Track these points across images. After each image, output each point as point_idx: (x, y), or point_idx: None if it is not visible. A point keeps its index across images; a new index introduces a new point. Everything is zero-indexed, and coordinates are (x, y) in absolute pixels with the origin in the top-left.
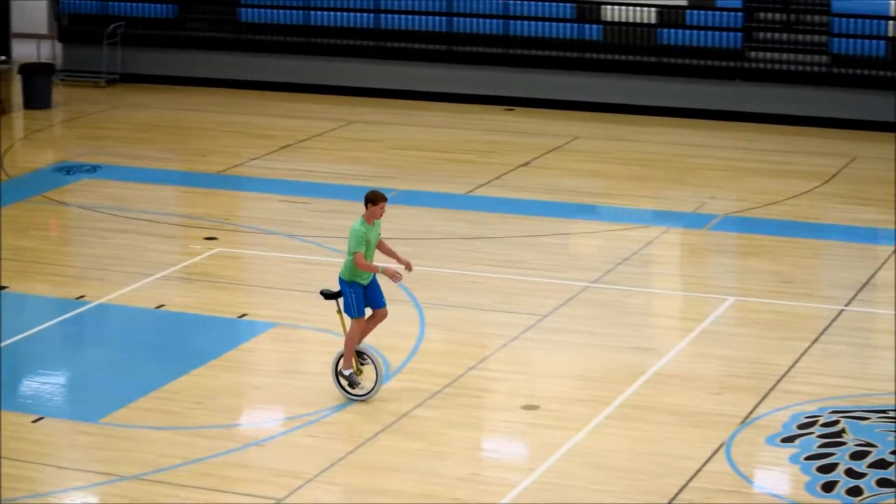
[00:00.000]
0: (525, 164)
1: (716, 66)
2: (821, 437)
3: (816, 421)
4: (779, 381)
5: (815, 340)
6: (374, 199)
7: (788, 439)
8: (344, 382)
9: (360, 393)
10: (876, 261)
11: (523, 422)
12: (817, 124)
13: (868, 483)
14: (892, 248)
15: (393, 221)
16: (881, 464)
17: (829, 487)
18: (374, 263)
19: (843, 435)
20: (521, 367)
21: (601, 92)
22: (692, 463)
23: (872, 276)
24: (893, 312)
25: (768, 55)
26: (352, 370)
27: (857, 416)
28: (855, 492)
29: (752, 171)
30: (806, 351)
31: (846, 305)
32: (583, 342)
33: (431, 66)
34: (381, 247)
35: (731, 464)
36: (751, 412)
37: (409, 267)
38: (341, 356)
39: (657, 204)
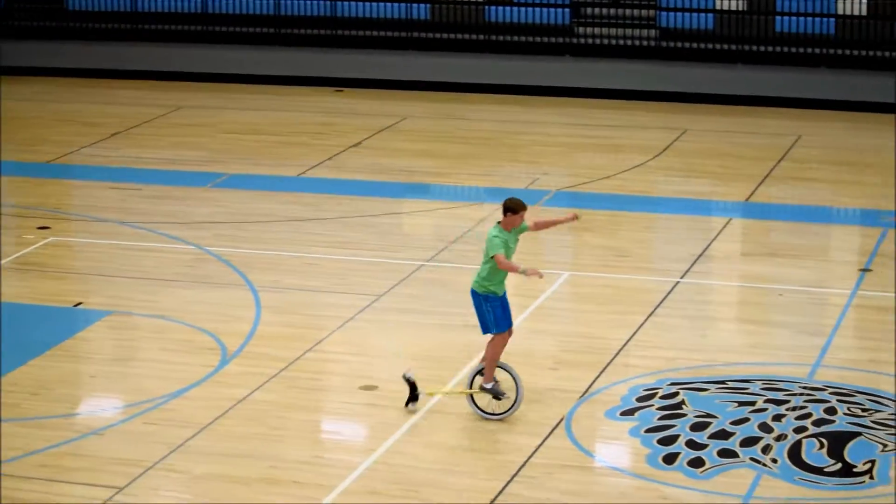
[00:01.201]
0: (356, 145)
1: (545, 42)
2: (660, 409)
3: (655, 393)
4: (616, 354)
5: (651, 313)
6: (515, 208)
7: (628, 412)
8: (483, 402)
9: (502, 409)
10: (709, 232)
11: (362, 403)
12: (647, 98)
13: (709, 454)
14: (726, 220)
15: (225, 206)
16: (722, 434)
17: (670, 459)
18: (514, 264)
19: (683, 406)
20: (357, 348)
21: (430, 71)
22: (532, 439)
23: (706, 247)
24: (728, 283)
25: (597, 30)
26: (493, 382)
27: (695, 388)
28: (696, 463)
29: (584, 147)
30: (642, 324)
31: (681, 278)
32: (418, 321)
33: (260, 50)
34: (538, 226)
35: (572, 438)
36: (589, 387)
37: (576, 217)
38: (476, 374)
39: (489, 181)
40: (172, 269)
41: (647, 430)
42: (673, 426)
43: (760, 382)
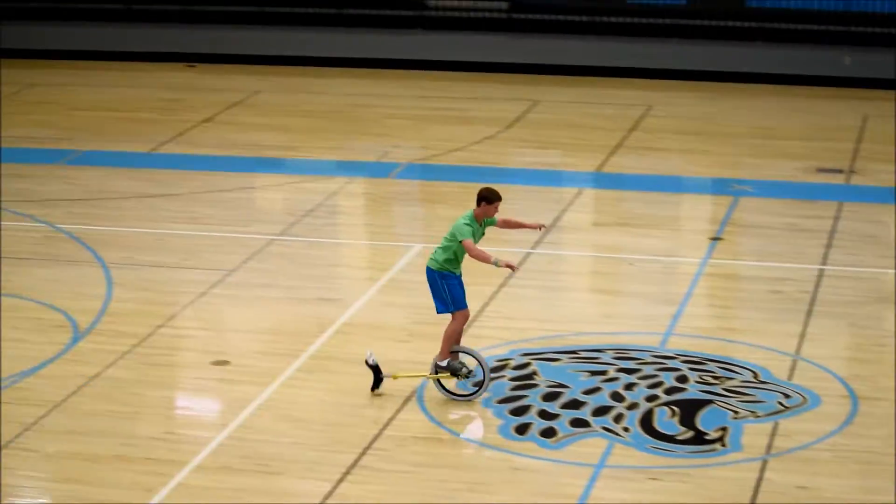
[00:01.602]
0: (207, 121)
1: (395, 15)
2: (512, 379)
3: (507, 364)
4: (469, 326)
5: (503, 284)
6: (491, 198)
7: (479, 383)
8: (451, 384)
9: (468, 389)
10: (561, 203)
11: (214, 378)
12: (498, 70)
13: (561, 424)
14: (577, 191)
15: (76, 183)
16: (574, 404)
17: (522, 430)
18: (486, 253)
19: (535, 377)
20: (209, 323)
21: (282, 45)
22: (384, 412)
23: (558, 218)
24: (579, 253)
25: (447, 3)
26: (448, 358)
27: (547, 358)
28: (548, 433)
29: (435, 119)
30: (494, 295)
31: (532, 248)
32: (270, 296)
33: (109, 26)
34: (506, 224)
35: (424, 410)
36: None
37: (542, 227)
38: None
39: (340, 154)
40: (24, 247)
41: (499, 401)
42: (525, 396)
43: (612, 352)
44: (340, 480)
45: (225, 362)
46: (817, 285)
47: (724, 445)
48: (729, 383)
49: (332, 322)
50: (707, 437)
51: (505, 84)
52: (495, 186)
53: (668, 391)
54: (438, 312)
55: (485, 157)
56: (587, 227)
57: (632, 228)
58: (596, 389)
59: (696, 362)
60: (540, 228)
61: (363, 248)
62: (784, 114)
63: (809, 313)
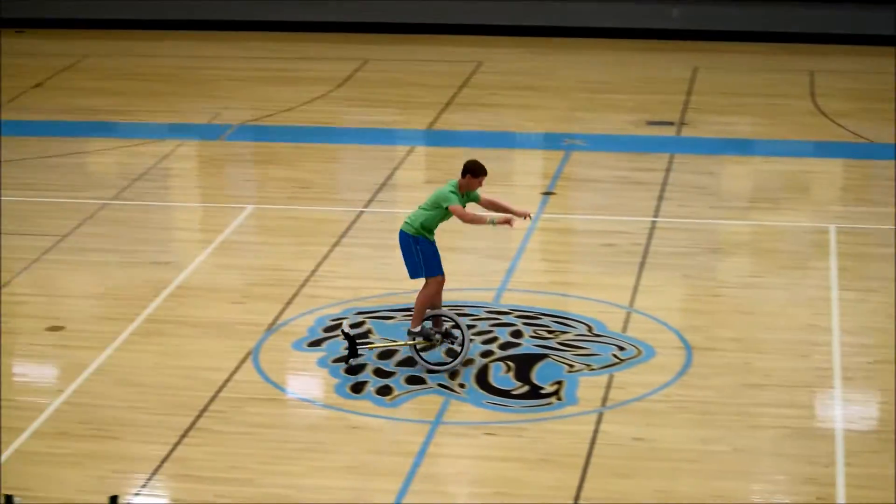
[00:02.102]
0: (38, 86)
1: None
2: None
3: (342, 323)
4: (302, 286)
5: (336, 244)
6: (476, 171)
7: (315, 343)
8: (419, 347)
9: (448, 360)
10: (393, 161)
11: (49, 344)
12: (326, 30)
13: (397, 381)
14: (409, 149)
15: None
16: (409, 361)
17: (358, 388)
18: (480, 215)
19: (370, 335)
20: (43, 289)
21: (112, 9)
22: (220, 374)
23: (389, 176)
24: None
25: None
26: (421, 325)
27: (382, 316)
28: (384, 391)
29: (265, 80)
30: (327, 255)
31: (365, 207)
32: (104, 260)
33: None
34: (490, 203)
35: (260, 371)
36: (276, 319)
37: (528, 216)
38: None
39: (171, 117)
40: None
41: (335, 361)
42: (360, 355)
43: (447, 308)
44: (178, 443)
45: (60, 328)
46: (650, 237)
47: (559, 399)
48: (563, 337)
49: (167, 285)
50: (542, 392)
51: (334, 43)
52: (328, 146)
53: (503, 346)
54: (411, 278)
55: (316, 116)
56: (420, 185)
57: None
58: (430, 346)
59: (530, 317)
60: (526, 217)
61: (196, 211)
62: (614, 68)
63: (642, 265)
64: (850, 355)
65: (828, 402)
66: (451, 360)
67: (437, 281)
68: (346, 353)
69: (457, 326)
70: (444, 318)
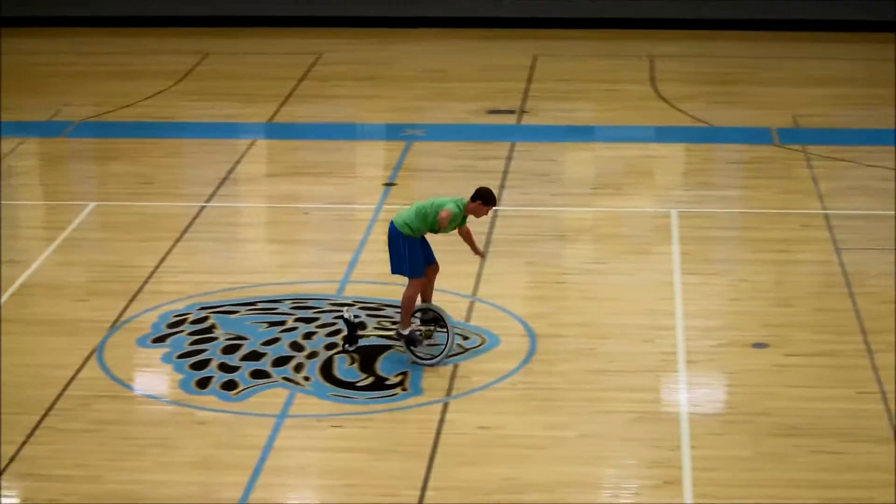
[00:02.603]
0: None
1: None
2: (191, 334)
3: (186, 319)
4: (145, 282)
5: (179, 239)
6: (488, 200)
7: (159, 339)
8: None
9: (432, 352)
10: (234, 155)
11: None
12: (167, 24)
13: (242, 376)
14: (250, 142)
15: None
16: (254, 355)
17: (204, 384)
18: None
19: (214, 330)
20: None
21: None
22: (66, 371)
23: (231, 170)
24: (255, 205)
25: None
26: (410, 328)
27: (226, 311)
28: (230, 385)
29: (104, 75)
30: (170, 250)
31: (207, 202)
32: None
33: None
34: (463, 234)
35: (105, 369)
36: (119, 315)
37: (482, 255)
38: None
39: (12, 115)
40: None
41: (179, 356)
42: (205, 350)
43: (290, 302)
44: (24, 443)
45: None
46: (492, 225)
47: (404, 389)
48: None
49: (11, 283)
50: (387, 382)
51: (174, 37)
52: (169, 141)
53: (347, 340)
54: (392, 273)
55: (157, 111)
56: (261, 178)
57: (306, 177)
58: (275, 340)
59: (373, 308)
60: (481, 256)
61: (39, 209)
62: (454, 57)
63: (485, 254)
64: (694, 339)
65: (673, 386)
66: (441, 353)
67: (419, 281)
68: (343, 340)
69: (441, 320)
70: (430, 312)
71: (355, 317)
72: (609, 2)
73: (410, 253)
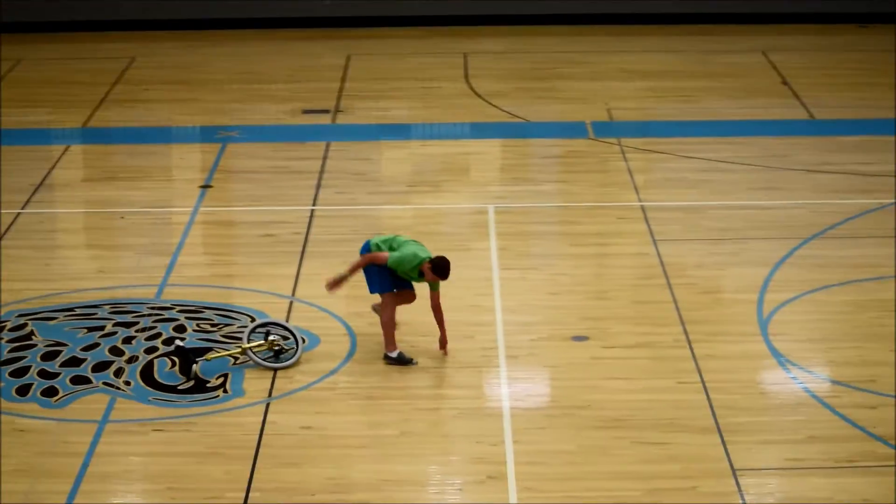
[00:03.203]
0: None
1: None
2: (10, 341)
3: (4, 326)
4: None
5: None
6: (439, 272)
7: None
8: (262, 356)
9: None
10: (49, 161)
11: None
12: None
13: (62, 382)
14: (64, 148)
15: None
16: (73, 361)
17: (23, 391)
18: (351, 273)
19: (33, 337)
20: None
21: None
22: None
23: (46, 176)
24: (71, 210)
25: None
26: (397, 350)
27: (44, 317)
28: (50, 392)
29: None
30: None
31: (22, 208)
32: None
33: None
34: (435, 311)
35: None
36: None
37: (443, 350)
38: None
39: None
40: None
41: None
42: (24, 357)
43: (108, 307)
44: None
45: None
46: (309, 226)
47: (226, 392)
48: (227, 329)
49: None
50: (209, 385)
51: None
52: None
53: (167, 342)
54: (370, 293)
55: None
56: (76, 184)
57: (121, 182)
58: (95, 345)
59: (193, 311)
60: (443, 351)
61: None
62: (267, 57)
63: (303, 254)
64: (514, 334)
65: (494, 381)
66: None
67: (392, 297)
68: (180, 371)
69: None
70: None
71: (182, 342)
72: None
73: (379, 270)
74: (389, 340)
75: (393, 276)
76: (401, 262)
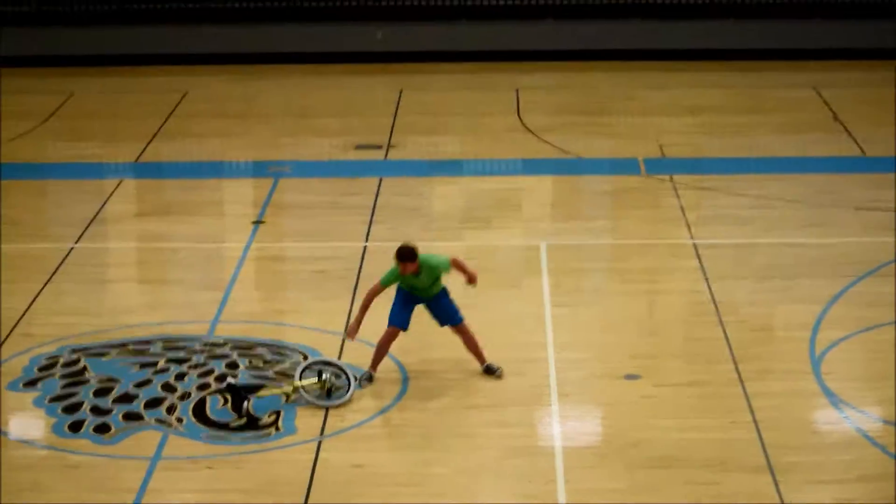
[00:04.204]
0: None
1: None
2: (63, 377)
3: (57, 361)
4: (16, 325)
5: (48, 281)
6: (400, 256)
7: (30, 383)
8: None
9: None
10: (102, 195)
11: None
12: (32, 64)
13: (114, 418)
14: (118, 182)
15: None
16: (125, 398)
17: (76, 427)
18: (360, 314)
19: (85, 373)
20: None
21: None
22: None
23: (99, 210)
24: (124, 245)
25: None
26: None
27: (96, 353)
28: (102, 428)
29: None
30: (40, 292)
31: (76, 243)
32: None
33: None
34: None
35: None
36: None
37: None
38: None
39: None
40: None
41: (51, 400)
42: (76, 393)
43: (161, 342)
44: None
45: None
46: (361, 262)
47: (278, 429)
48: (279, 367)
49: None
50: (261, 423)
51: (38, 77)
52: (35, 182)
53: (220, 378)
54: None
55: (22, 153)
56: (129, 218)
57: (174, 216)
58: (147, 381)
59: (245, 347)
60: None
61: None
62: (319, 92)
63: (356, 290)
64: (566, 371)
65: (545, 420)
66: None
67: (391, 330)
68: (232, 408)
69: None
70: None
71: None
72: (475, 35)
73: (394, 300)
74: (375, 362)
75: (407, 310)
76: (388, 277)
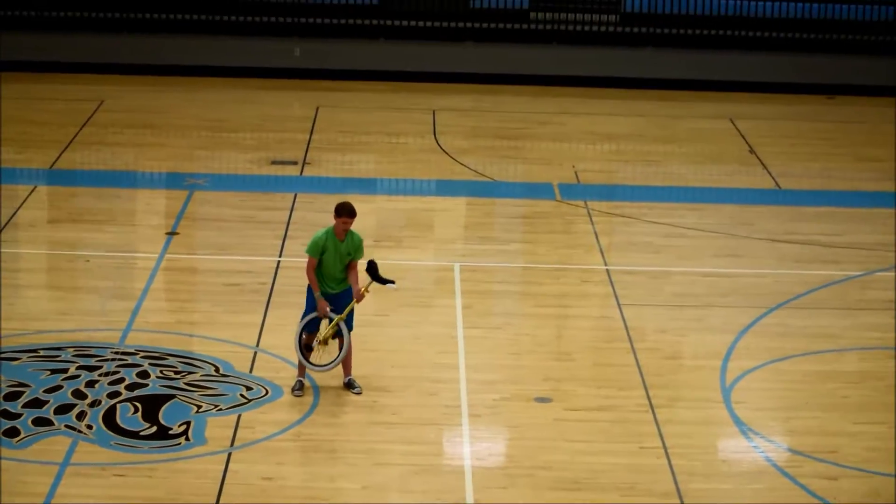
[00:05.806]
0: None
1: None
2: None
3: None
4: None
5: None
6: (336, 211)
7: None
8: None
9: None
10: (15, 200)
11: None
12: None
13: (24, 423)
14: (31, 188)
15: None
16: (36, 403)
17: None
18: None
19: None
20: None
21: None
22: None
23: (12, 216)
24: (35, 251)
25: None
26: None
27: (7, 358)
28: (12, 432)
29: None
30: None
31: None
32: None
33: None
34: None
35: None
36: None
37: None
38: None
39: None
40: None
41: None
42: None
43: (72, 349)
44: None
45: None
46: (275, 276)
47: (188, 439)
48: (190, 377)
49: None
50: (171, 432)
51: None
52: None
53: (130, 387)
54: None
55: None
56: (42, 224)
57: (87, 224)
58: (57, 388)
59: (156, 357)
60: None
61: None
62: (236, 106)
63: (268, 304)
64: (476, 392)
65: (456, 439)
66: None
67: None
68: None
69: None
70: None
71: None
72: (394, 55)
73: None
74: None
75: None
76: (313, 245)
